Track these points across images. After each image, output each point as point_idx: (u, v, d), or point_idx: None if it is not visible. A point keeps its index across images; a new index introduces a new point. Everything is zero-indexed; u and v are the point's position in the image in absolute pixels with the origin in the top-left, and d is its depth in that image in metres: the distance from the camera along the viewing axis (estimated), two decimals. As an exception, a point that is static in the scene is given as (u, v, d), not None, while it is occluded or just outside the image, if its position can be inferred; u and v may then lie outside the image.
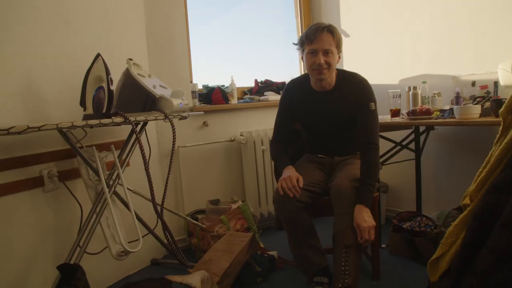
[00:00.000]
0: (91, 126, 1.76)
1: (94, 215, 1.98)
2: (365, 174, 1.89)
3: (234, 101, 3.05)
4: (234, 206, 2.68)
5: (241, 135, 3.00)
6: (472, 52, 2.60)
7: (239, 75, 3.27)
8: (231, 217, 2.60)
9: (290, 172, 1.95)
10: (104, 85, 1.84)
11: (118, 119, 1.80)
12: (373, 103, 1.97)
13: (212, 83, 3.09)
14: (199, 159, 2.92)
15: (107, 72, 1.83)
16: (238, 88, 3.15)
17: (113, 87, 1.85)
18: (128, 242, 1.98)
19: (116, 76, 2.11)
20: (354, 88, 2.01)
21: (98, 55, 1.88)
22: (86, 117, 1.88)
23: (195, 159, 2.90)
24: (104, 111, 1.85)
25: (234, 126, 3.07)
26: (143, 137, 2.26)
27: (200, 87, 3.03)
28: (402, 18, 2.97)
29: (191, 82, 2.89)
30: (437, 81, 2.78)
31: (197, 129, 2.90)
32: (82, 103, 1.90)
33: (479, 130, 2.58)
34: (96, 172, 1.95)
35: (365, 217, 1.76)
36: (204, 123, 2.91)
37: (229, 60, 3.41)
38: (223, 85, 3.09)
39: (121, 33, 2.42)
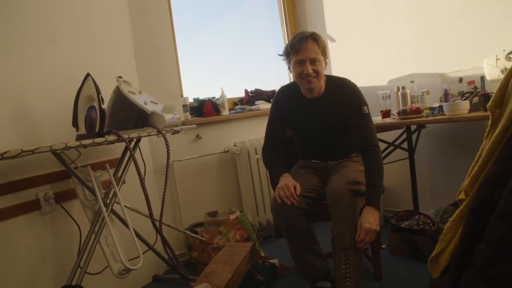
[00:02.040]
0: (85, 146, 1.77)
1: (93, 235, 1.97)
2: (370, 176, 1.90)
3: (225, 112, 3.07)
4: (232, 216, 2.68)
5: (234, 145, 3.01)
6: (457, 49, 2.64)
7: (229, 86, 3.29)
8: (230, 228, 2.60)
9: (287, 180, 1.96)
10: (96, 104, 1.85)
11: (111, 137, 1.81)
12: (365, 107, 1.99)
13: (203, 95, 3.11)
14: (194, 172, 2.92)
15: (98, 91, 1.84)
16: (228, 99, 3.17)
17: (104, 106, 1.85)
18: (129, 260, 1.98)
19: (107, 95, 2.12)
20: (344, 93, 2.02)
21: (88, 75, 1.89)
22: (79, 137, 1.88)
23: (190, 173, 2.90)
24: (97, 130, 1.85)
25: (227, 137, 3.08)
26: (137, 154, 2.26)
27: (191, 100, 3.04)
28: (386, 19, 3.02)
29: (181, 96, 2.90)
30: (424, 79, 2.82)
31: (190, 143, 2.91)
32: (75, 123, 1.90)
33: (469, 126, 2.61)
34: (93, 191, 1.95)
35: (370, 219, 1.77)
36: (197, 136, 2.92)
37: (218, 71, 3.43)
38: (214, 97, 3.10)
39: (109, 51, 2.43)
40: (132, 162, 2.07)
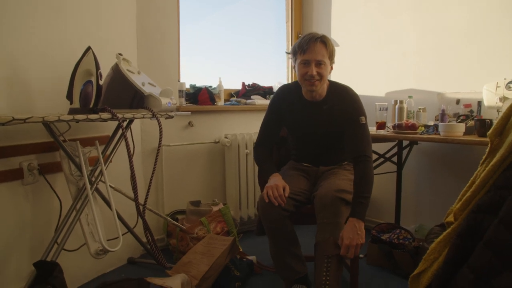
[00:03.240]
0: (78, 121, 1.72)
1: (74, 212, 1.94)
2: (358, 186, 1.89)
3: (220, 102, 3.04)
4: (215, 208, 2.67)
5: (225, 137, 2.99)
6: (459, 70, 2.65)
7: (227, 76, 3.26)
8: (211, 220, 2.58)
9: (276, 180, 1.95)
10: (93, 79, 1.80)
11: (105, 115, 1.77)
12: (363, 117, 1.98)
13: (199, 83, 3.07)
14: (182, 159, 2.89)
15: (97, 67, 1.79)
16: (225, 90, 3.14)
17: (102, 82, 1.81)
18: (107, 240, 1.95)
19: (105, 71, 2.07)
20: (344, 101, 2.01)
21: (89, 48, 1.84)
22: (72, 111, 1.84)
23: (178, 159, 2.87)
24: (91, 106, 1.81)
25: (219, 128, 3.05)
26: (128, 134, 2.22)
27: (187, 86, 3.00)
28: (392, 31, 3.01)
29: (179, 81, 2.86)
30: (422, 96, 2.82)
31: (182, 129, 2.88)
32: (69, 96, 1.86)
33: (461, 148, 2.62)
34: (79, 167, 1.91)
35: (350, 234, 1.75)
36: (189, 123, 2.89)
37: (218, 60, 3.39)
38: (211, 86, 3.07)
39: (111, 26, 2.39)
40: (123, 142, 2.03)
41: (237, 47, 3.55)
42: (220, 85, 3.05)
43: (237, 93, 3.34)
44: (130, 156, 1.86)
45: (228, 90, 3.29)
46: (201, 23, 3.29)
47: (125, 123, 2.14)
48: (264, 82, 3.47)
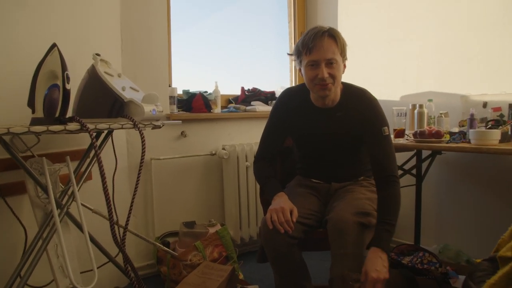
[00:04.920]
0: (38, 134, 1.42)
1: (41, 241, 1.62)
2: (385, 212, 1.58)
3: (217, 109, 2.73)
4: (211, 230, 2.35)
5: (223, 148, 2.68)
6: (486, 69, 2.35)
7: (225, 81, 2.97)
8: (207, 244, 2.27)
9: (282, 201, 1.63)
10: (60, 83, 1.49)
11: (73, 126, 1.45)
12: (386, 127, 1.67)
13: (194, 88, 2.77)
14: (174, 174, 2.59)
15: (64, 67, 1.48)
16: (222, 96, 2.84)
17: (69, 86, 1.50)
18: (85, 272, 1.65)
19: (82, 74, 1.79)
20: (363, 107, 1.70)
21: (54, 45, 1.53)
22: (35, 122, 1.53)
23: (169, 174, 2.57)
24: (57, 115, 1.50)
25: (215, 138, 2.75)
26: (109, 147, 1.94)
27: (180, 92, 2.70)
28: (407, 27, 2.72)
29: (169, 86, 2.56)
30: (443, 99, 2.52)
31: (173, 140, 2.57)
32: (31, 103, 1.55)
33: (491, 158, 2.31)
34: (44, 188, 1.60)
35: (377, 266, 1.44)
36: (182, 133, 2.58)
37: (214, 64, 3.11)
38: (206, 91, 2.77)
39: (90, 22, 2.09)
40: (107, 156, 1.74)
41: (236, 50, 3.27)
42: (216, 90, 2.74)
43: (235, 99, 3.03)
44: (103, 176, 1.54)
45: (225, 96, 2.99)
46: (198, 25, 3.03)
47: (102, 135, 1.84)
48: (265, 87, 3.17)
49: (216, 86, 2.76)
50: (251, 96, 3.05)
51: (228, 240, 2.36)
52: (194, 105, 2.65)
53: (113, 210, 1.67)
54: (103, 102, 1.77)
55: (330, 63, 1.61)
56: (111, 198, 1.70)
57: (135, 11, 2.37)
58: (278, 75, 3.49)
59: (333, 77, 1.61)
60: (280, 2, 3.40)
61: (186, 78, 2.88)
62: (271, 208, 1.61)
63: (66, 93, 1.50)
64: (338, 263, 1.49)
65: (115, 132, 1.96)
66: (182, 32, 2.84)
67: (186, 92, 2.72)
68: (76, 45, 1.95)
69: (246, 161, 2.69)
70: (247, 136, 2.83)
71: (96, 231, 1.88)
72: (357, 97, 1.72)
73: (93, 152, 1.80)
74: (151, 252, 2.47)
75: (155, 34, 2.47)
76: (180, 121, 2.19)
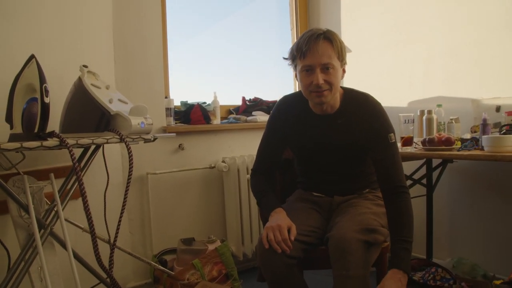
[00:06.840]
0: (17, 151, 1.32)
1: (23, 263, 1.53)
2: (398, 227, 1.46)
3: (216, 121, 2.63)
4: (211, 247, 2.23)
5: (223, 161, 2.57)
6: (498, 71, 2.22)
7: (226, 92, 2.89)
8: (206, 261, 2.15)
9: (279, 218, 1.51)
10: (38, 96, 1.41)
11: (51, 142, 1.36)
12: (392, 134, 1.55)
13: (194, 99, 2.67)
14: (172, 189, 2.48)
15: (42, 80, 1.40)
16: (222, 106, 2.74)
17: (48, 99, 1.41)
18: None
19: (69, 87, 1.71)
20: (366, 113, 1.57)
21: (32, 57, 1.45)
22: (13, 138, 1.44)
23: (167, 189, 2.46)
24: (36, 130, 1.41)
25: (215, 150, 2.64)
26: (100, 162, 1.85)
27: (177, 103, 2.60)
28: (414, 29, 2.60)
29: (166, 97, 2.47)
30: (453, 104, 2.39)
31: (170, 153, 2.47)
32: (9, 118, 1.46)
33: (504, 165, 2.17)
34: (25, 208, 1.50)
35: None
36: (179, 146, 2.48)
37: (215, 74, 3.02)
38: (204, 102, 2.67)
39: (82, 33, 2.02)
40: (89, 170, 1.65)
41: (238, 59, 3.18)
42: (215, 101, 2.65)
43: (236, 110, 2.93)
44: (83, 196, 1.44)
45: (226, 107, 2.89)
46: (199, 36, 2.96)
47: (89, 151, 1.75)
48: (267, 96, 3.05)
49: (215, 97, 2.66)
50: (252, 106, 2.94)
51: (229, 257, 2.24)
52: (192, 116, 2.55)
53: (106, 228, 1.58)
54: (90, 116, 1.69)
55: (326, 68, 1.49)
56: (103, 216, 1.64)
57: (128, 21, 2.29)
58: (281, 83, 3.39)
59: (330, 83, 1.49)
60: (282, 9, 3.31)
61: (186, 89, 2.81)
62: (267, 226, 1.49)
63: (45, 107, 1.41)
64: (340, 285, 1.36)
65: (109, 147, 1.89)
66: (182, 42, 2.77)
67: (184, 104, 2.63)
68: (66, 57, 1.88)
69: (247, 173, 2.57)
70: (248, 148, 2.72)
71: (89, 252, 1.77)
72: (359, 103, 1.60)
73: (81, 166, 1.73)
74: (147, 270, 2.36)
75: (150, 44, 2.38)
76: (175, 134, 2.10)
